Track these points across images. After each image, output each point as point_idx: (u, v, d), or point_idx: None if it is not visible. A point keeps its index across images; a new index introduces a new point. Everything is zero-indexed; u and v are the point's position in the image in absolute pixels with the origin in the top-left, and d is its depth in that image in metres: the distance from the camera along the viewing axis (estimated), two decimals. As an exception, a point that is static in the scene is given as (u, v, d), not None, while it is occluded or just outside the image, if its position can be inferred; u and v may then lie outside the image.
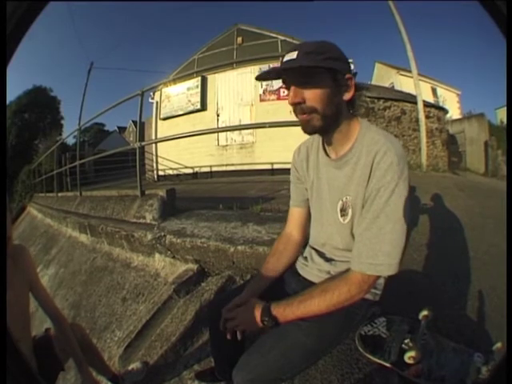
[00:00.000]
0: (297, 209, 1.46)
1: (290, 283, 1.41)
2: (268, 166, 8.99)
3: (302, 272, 1.38)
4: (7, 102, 26.76)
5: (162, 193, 3.67)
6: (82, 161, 7.11)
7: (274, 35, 9.94)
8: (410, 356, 1.08)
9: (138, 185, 3.99)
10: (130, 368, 2.12)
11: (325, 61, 1.01)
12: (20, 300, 1.55)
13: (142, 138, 4.03)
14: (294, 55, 1.02)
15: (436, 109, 11.72)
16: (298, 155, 1.41)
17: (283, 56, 1.06)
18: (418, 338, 1.15)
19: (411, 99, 10.29)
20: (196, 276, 2.63)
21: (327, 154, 1.23)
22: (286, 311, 1.11)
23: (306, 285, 1.27)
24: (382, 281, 1.23)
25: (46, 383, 1.63)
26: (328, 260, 1.27)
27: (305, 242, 1.46)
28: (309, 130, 1.11)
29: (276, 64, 8.92)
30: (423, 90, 9.97)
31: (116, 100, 4.99)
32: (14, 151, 24.29)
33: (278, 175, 8.02)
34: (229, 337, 1.25)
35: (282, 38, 9.73)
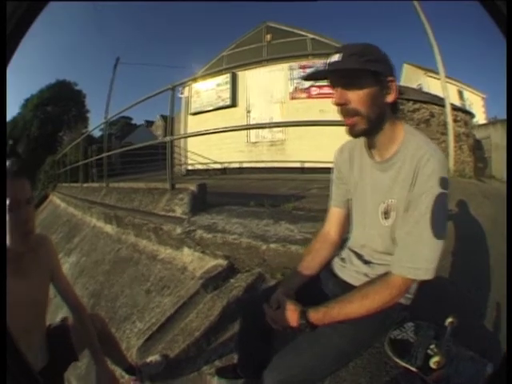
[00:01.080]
0: (336, 209, 1.52)
1: (326, 283, 1.47)
2: (298, 165, 9.16)
3: (339, 273, 1.44)
4: (28, 96, 29.65)
5: (192, 187, 3.79)
6: (110, 153, 7.41)
7: (303, 33, 10.10)
8: (435, 361, 1.12)
9: (168, 178, 4.15)
10: (148, 360, 2.19)
11: (368, 63, 1.08)
12: (38, 289, 1.58)
13: (171, 132, 4.22)
14: (338, 57, 1.10)
15: (463, 112, 11.49)
16: (341, 155, 1.46)
17: (328, 57, 1.14)
18: (443, 344, 1.18)
19: (439, 102, 10.14)
20: (225, 272, 2.71)
21: (371, 156, 1.29)
22: (325, 317, 1.18)
23: (344, 287, 1.34)
24: (414, 285, 1.27)
25: (56, 372, 1.72)
26: (366, 262, 1.33)
27: (341, 242, 1.52)
28: (354, 133, 1.18)
29: (311, 63, 9.07)
30: (450, 93, 9.84)
31: (142, 95, 5.21)
32: (36, 143, 26.24)
33: (309, 174, 8.14)
34: (277, 328, 1.31)
35: (311, 36, 9.87)
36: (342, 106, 1.14)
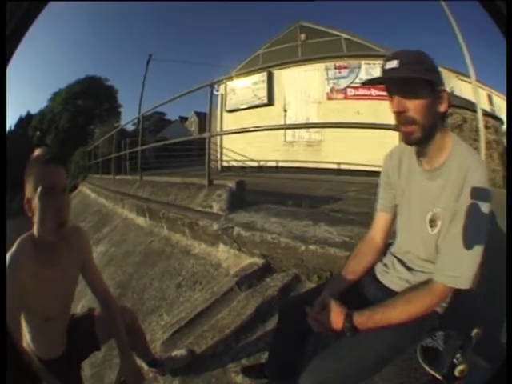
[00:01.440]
0: (383, 214, 1.53)
1: (368, 288, 1.49)
2: (334, 166, 9.17)
3: (381, 278, 1.46)
4: (57, 90, 31.54)
5: (231, 184, 3.85)
6: (145, 146, 7.60)
7: (337, 33, 10.12)
8: (460, 370, 1.15)
9: (206, 174, 4.22)
10: (173, 354, 2.21)
11: (426, 72, 1.12)
12: (66, 279, 1.60)
13: (209, 128, 4.35)
14: (395, 64, 1.13)
15: (493, 118, 11.19)
16: (390, 161, 1.48)
17: (384, 62, 1.17)
18: (469, 354, 1.20)
19: (471, 107, 9.94)
20: (261, 271, 2.73)
21: (420, 164, 1.31)
22: (369, 320, 1.21)
23: (386, 292, 1.37)
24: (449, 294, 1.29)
25: (74, 359, 1.78)
26: (409, 269, 1.35)
27: (385, 247, 1.53)
28: (410, 141, 1.21)
29: (346, 63, 9.17)
30: (481, 98, 9.68)
31: (174, 91, 5.38)
32: (66, 134, 27.70)
33: (344, 175, 8.21)
34: (317, 330, 1.34)
35: (346, 36, 9.89)
36: (401, 113, 1.16)
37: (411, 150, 1.34)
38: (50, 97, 31.94)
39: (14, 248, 1.37)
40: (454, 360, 1.21)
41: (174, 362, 2.16)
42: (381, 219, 1.54)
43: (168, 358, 2.19)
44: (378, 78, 1.21)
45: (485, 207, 1.10)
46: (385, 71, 1.16)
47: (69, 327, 1.74)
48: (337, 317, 1.25)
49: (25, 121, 33.47)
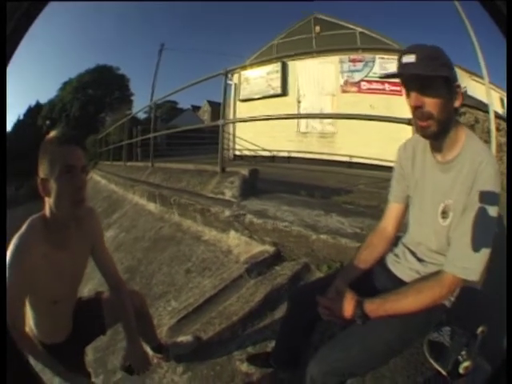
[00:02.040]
0: (396, 204, 1.58)
1: (379, 278, 1.54)
2: (346, 159, 9.37)
3: (392, 268, 1.52)
4: (67, 79, 32.84)
5: (244, 171, 3.93)
6: (157, 133, 7.74)
7: (351, 26, 10.24)
8: (464, 367, 1.20)
9: (218, 161, 4.31)
10: (179, 340, 2.26)
11: (443, 68, 1.18)
12: (76, 261, 1.62)
13: (221, 116, 4.47)
14: (412, 58, 1.18)
15: (504, 121, 11.08)
16: (404, 152, 1.54)
17: (400, 56, 1.22)
18: (474, 352, 1.24)
19: (484, 108, 9.86)
20: (271, 259, 2.80)
21: (433, 156, 1.37)
22: (380, 308, 1.27)
23: (396, 282, 1.43)
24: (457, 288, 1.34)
25: (79, 343, 1.81)
26: (419, 260, 1.40)
27: (396, 238, 1.59)
28: (427, 135, 1.28)
29: (360, 56, 9.34)
30: (493, 100, 9.60)
31: (186, 80, 5.54)
32: (76, 122, 28.84)
33: (356, 169, 8.36)
34: (327, 318, 1.40)
35: (360, 29, 9.99)
36: (418, 108, 1.22)
37: (425, 142, 1.39)
38: (59, 86, 33.25)
39: (23, 228, 1.40)
40: (459, 357, 1.27)
41: (180, 348, 2.21)
42: (393, 210, 1.59)
43: (174, 344, 2.24)
44: (397, 72, 1.26)
45: (495, 201, 1.16)
46: (402, 65, 1.21)
47: (75, 310, 1.76)
48: (348, 304, 1.31)
49: (34, 110, 34.66)
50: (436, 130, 1.23)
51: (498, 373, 1.05)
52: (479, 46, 8.82)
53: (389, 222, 1.60)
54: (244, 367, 2.03)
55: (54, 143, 1.37)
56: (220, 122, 4.55)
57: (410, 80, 1.23)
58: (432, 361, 1.35)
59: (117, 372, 2.34)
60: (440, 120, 1.20)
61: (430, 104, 1.19)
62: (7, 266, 1.27)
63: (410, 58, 1.18)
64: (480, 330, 1.27)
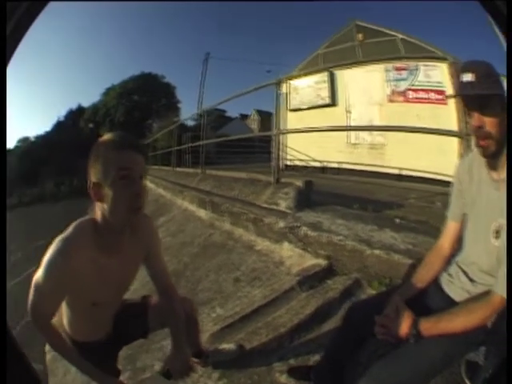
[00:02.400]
0: (453, 223, 1.59)
1: (433, 297, 1.56)
2: (396, 171, 9.30)
3: (446, 288, 1.52)
4: (109, 85, 34.70)
5: (299, 183, 3.98)
6: (210, 141, 7.99)
7: (392, 33, 10.19)
8: None
9: (272, 171, 4.41)
10: (221, 347, 2.29)
11: (496, 85, 1.21)
12: (127, 268, 1.60)
13: (275, 126, 4.62)
14: (470, 77, 1.22)
15: None
16: (462, 168, 1.55)
17: (458, 74, 1.27)
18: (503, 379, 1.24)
19: None
20: (323, 272, 2.83)
21: (489, 174, 1.37)
22: (433, 328, 1.29)
23: (449, 302, 1.45)
24: None
25: (115, 345, 1.84)
26: (470, 280, 1.40)
27: (452, 257, 1.59)
28: (487, 154, 1.30)
29: (404, 64, 9.34)
30: None
31: (232, 89, 5.75)
32: (121, 127, 30.02)
33: (405, 182, 8.30)
34: (382, 336, 1.43)
35: (401, 36, 9.92)
36: (479, 128, 1.25)
37: (481, 158, 1.40)
38: (102, 91, 35.51)
39: (70, 230, 1.37)
40: (488, 375, 1.29)
41: (221, 355, 2.24)
42: (451, 228, 1.61)
43: (215, 351, 2.26)
44: (459, 93, 1.32)
45: None
46: (462, 84, 1.25)
47: (118, 312, 1.76)
48: (405, 322, 1.34)
49: (75, 113, 36.95)
50: (495, 150, 1.25)
51: (498, 373, 1.08)
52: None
53: (446, 240, 1.62)
54: (283, 379, 2.05)
55: (111, 147, 1.32)
56: (274, 132, 4.65)
57: (470, 100, 1.26)
58: (466, 380, 1.42)
59: (146, 370, 2.42)
60: (498, 139, 1.22)
61: (489, 123, 1.22)
62: (47, 265, 1.29)
63: (468, 77, 1.21)
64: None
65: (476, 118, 1.24)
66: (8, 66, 0.97)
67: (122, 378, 2.06)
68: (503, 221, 1.24)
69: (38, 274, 1.32)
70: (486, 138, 1.24)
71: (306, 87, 11.94)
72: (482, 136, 1.25)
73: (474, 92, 1.21)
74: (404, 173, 9.08)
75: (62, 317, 1.62)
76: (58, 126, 37.06)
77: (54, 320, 1.49)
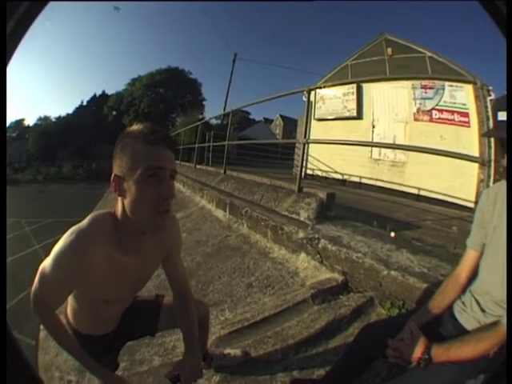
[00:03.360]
0: (473, 252, 1.61)
1: (446, 325, 1.60)
2: (414, 191, 9.36)
3: (458, 316, 1.56)
4: (136, 76, 35.51)
5: (321, 194, 3.98)
6: (234, 142, 8.10)
7: (421, 50, 10.22)
8: None
9: (297, 180, 4.43)
10: (226, 351, 2.30)
11: None
12: (145, 269, 1.56)
13: (304, 134, 4.71)
14: (505, 115, 1.24)
15: None
16: (487, 199, 1.56)
17: (494, 112, 1.30)
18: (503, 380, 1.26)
19: None
20: (338, 287, 2.84)
21: None
22: (444, 354, 1.33)
23: (460, 330, 1.49)
24: None
25: (121, 340, 1.85)
26: (482, 310, 1.44)
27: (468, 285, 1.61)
28: None
29: (431, 83, 9.43)
30: None
31: (258, 91, 6.02)
32: (144, 117, 30.73)
33: (423, 202, 8.35)
34: (393, 360, 1.46)
35: (429, 54, 9.93)
36: None
37: (506, 188, 1.43)
38: (128, 81, 36.35)
39: (86, 222, 1.30)
40: None
41: (225, 360, 2.25)
42: (470, 257, 1.63)
43: (220, 355, 2.27)
44: (498, 135, 1.36)
45: None
46: (498, 124, 1.29)
47: (128, 308, 1.74)
48: (419, 347, 1.38)
49: (98, 100, 38.23)
50: None
51: (498, 373, 1.08)
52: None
53: (464, 268, 1.64)
54: None
55: (141, 140, 1.23)
56: (302, 140, 4.67)
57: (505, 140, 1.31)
58: None
59: (144, 364, 2.44)
60: None
61: None
62: (58, 257, 1.23)
63: (504, 116, 1.24)
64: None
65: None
66: (8, 65, 0.96)
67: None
68: None
69: (46, 263, 1.26)
70: None
71: (333, 97, 12.05)
72: None
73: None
74: (422, 193, 9.14)
75: (67, 306, 1.60)
76: (81, 110, 38.13)
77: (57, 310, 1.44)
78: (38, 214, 10.50)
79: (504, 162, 1.30)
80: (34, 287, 1.32)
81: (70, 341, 1.50)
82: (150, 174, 1.21)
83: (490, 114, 7.11)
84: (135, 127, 1.29)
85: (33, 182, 23.10)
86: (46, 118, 37.89)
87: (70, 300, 1.54)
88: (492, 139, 6.04)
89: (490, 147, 6.83)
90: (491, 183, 6.34)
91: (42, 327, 2.96)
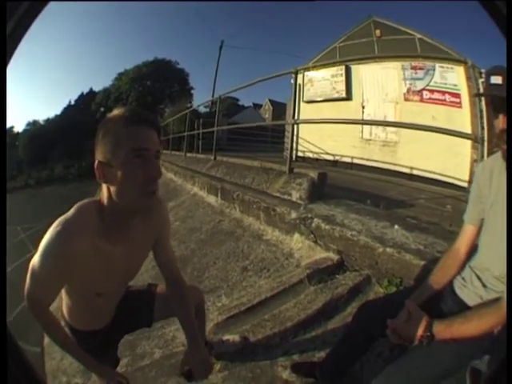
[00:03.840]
0: (470, 226, 1.58)
1: (446, 300, 1.56)
2: (407, 170, 9.36)
3: (458, 292, 1.53)
4: (123, 70, 35.12)
5: (313, 174, 3.92)
6: (223, 127, 8.00)
7: (410, 32, 10.12)
8: None
9: (287, 161, 4.37)
10: (225, 338, 2.29)
11: None
12: (134, 256, 1.51)
13: (292, 115, 4.71)
14: (499, 80, 1.20)
15: None
16: (482, 174, 1.52)
17: (487, 76, 1.26)
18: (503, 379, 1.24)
19: None
20: (334, 267, 2.80)
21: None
22: (447, 330, 1.29)
23: (462, 306, 1.46)
24: None
25: (117, 333, 1.81)
26: (484, 286, 1.41)
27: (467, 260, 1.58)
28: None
29: (421, 64, 9.35)
30: None
31: (246, 77, 5.78)
32: None
33: (416, 182, 8.32)
34: (394, 339, 1.42)
35: (419, 36, 9.82)
36: (505, 131, 1.23)
37: (502, 164, 1.39)
38: (115, 76, 35.94)
39: (71, 213, 1.27)
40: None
41: (224, 346, 2.23)
42: (467, 232, 1.60)
43: (219, 341, 2.25)
44: (488, 93, 1.32)
45: None
46: (491, 86, 1.23)
47: (122, 299, 1.69)
48: (420, 325, 1.33)
49: (86, 97, 37.58)
50: None
51: (498, 373, 1.06)
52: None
53: (462, 243, 1.61)
54: (285, 374, 2.04)
55: (123, 123, 1.19)
56: (291, 121, 4.61)
57: (497, 102, 1.25)
58: None
59: (145, 358, 2.42)
60: None
61: None
62: (45, 249, 1.20)
63: (498, 80, 1.20)
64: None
65: (502, 121, 1.23)
66: (8, 65, 0.95)
67: (120, 363, 2.04)
68: None
69: (34, 259, 1.23)
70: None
71: (321, 79, 11.94)
72: (507, 140, 1.23)
73: (504, 94, 1.18)
74: (415, 172, 9.13)
75: (62, 303, 1.57)
76: (69, 109, 37.71)
77: (53, 307, 1.40)
78: (32, 219, 10.46)
79: (497, 123, 1.25)
80: (26, 285, 1.29)
81: (66, 338, 1.48)
82: (134, 156, 1.18)
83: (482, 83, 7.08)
84: (115, 112, 1.25)
85: (25, 187, 23.30)
86: (35, 122, 37.62)
87: (64, 296, 1.50)
88: (485, 130, 6.10)
89: (482, 128, 6.86)
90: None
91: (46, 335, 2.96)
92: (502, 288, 1.27)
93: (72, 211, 1.27)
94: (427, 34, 9.77)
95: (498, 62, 1.22)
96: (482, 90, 6.40)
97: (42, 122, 37.52)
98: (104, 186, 1.26)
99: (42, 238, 1.22)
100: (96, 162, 1.21)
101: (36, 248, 1.24)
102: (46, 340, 2.89)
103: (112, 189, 1.23)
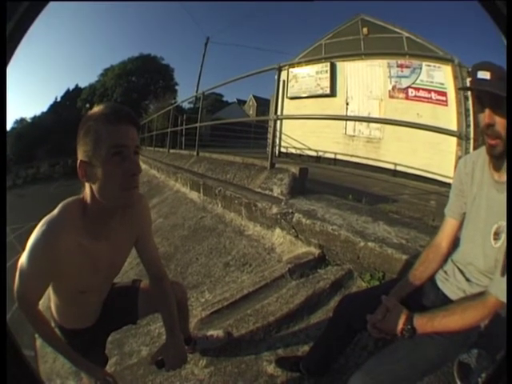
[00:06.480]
0: (452, 220, 1.58)
1: (428, 295, 1.56)
2: (391, 166, 9.42)
3: (441, 285, 1.53)
4: (108, 66, 35.26)
5: (294, 169, 3.90)
6: (205, 123, 7.95)
7: (398, 30, 10.20)
8: None
9: (269, 156, 4.33)
10: (209, 334, 2.26)
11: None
12: (117, 253, 1.51)
13: (274, 111, 4.76)
14: (487, 75, 1.19)
15: None
16: (464, 168, 1.52)
17: (474, 71, 1.23)
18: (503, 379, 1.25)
19: None
20: (315, 261, 2.79)
21: (491, 175, 1.35)
22: (428, 324, 1.29)
23: (444, 300, 1.46)
24: None
25: (105, 330, 1.81)
26: (467, 280, 1.40)
27: (449, 254, 1.58)
28: (494, 154, 1.27)
29: (408, 62, 9.37)
30: None
31: (231, 74, 5.72)
32: None
33: (400, 178, 8.42)
34: (374, 334, 1.42)
35: (407, 34, 9.92)
36: (490, 126, 1.22)
37: (484, 159, 1.39)
38: (100, 72, 35.89)
39: (56, 212, 1.27)
40: (479, 379, 1.37)
41: (208, 342, 2.22)
42: (449, 225, 1.60)
43: (203, 337, 2.24)
44: (475, 87, 1.29)
45: None
46: (477, 80, 1.22)
47: (107, 297, 1.69)
48: (399, 318, 1.33)
49: (72, 94, 37.17)
50: (502, 150, 1.23)
51: (498, 373, 1.05)
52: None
53: (443, 237, 1.61)
54: (270, 369, 2.04)
55: (102, 121, 1.19)
56: (273, 117, 4.58)
57: (483, 97, 1.24)
58: (458, 381, 1.47)
59: (133, 356, 2.39)
60: (505, 140, 1.20)
61: (500, 123, 1.19)
62: (32, 249, 1.21)
63: (484, 75, 1.19)
64: (500, 355, 1.30)
65: (488, 116, 1.22)
66: (8, 65, 0.94)
67: (109, 362, 2.02)
68: (503, 223, 1.23)
69: (22, 258, 1.23)
70: (496, 137, 1.22)
71: (306, 76, 11.94)
72: (492, 134, 1.22)
73: (490, 89, 1.17)
74: (399, 169, 9.19)
75: (51, 303, 1.57)
76: (55, 107, 37.20)
77: (44, 306, 1.43)
78: (20, 219, 10.29)
79: (482, 116, 1.24)
80: (15, 284, 1.29)
81: (55, 337, 1.49)
82: (113, 153, 1.18)
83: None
84: (96, 109, 1.25)
85: (13, 187, 22.93)
86: (22, 120, 37.22)
87: (52, 296, 1.51)
88: (471, 126, 6.14)
89: (468, 125, 6.90)
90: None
91: (37, 335, 2.90)
92: (487, 282, 1.27)
93: (57, 210, 1.28)
94: (416, 33, 9.83)
95: (495, 62, 1.21)
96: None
97: (29, 120, 37.13)
98: (87, 185, 1.27)
99: (29, 237, 1.23)
100: (78, 161, 1.23)
101: (23, 248, 1.24)
102: (38, 342, 2.84)
103: (94, 187, 1.24)
